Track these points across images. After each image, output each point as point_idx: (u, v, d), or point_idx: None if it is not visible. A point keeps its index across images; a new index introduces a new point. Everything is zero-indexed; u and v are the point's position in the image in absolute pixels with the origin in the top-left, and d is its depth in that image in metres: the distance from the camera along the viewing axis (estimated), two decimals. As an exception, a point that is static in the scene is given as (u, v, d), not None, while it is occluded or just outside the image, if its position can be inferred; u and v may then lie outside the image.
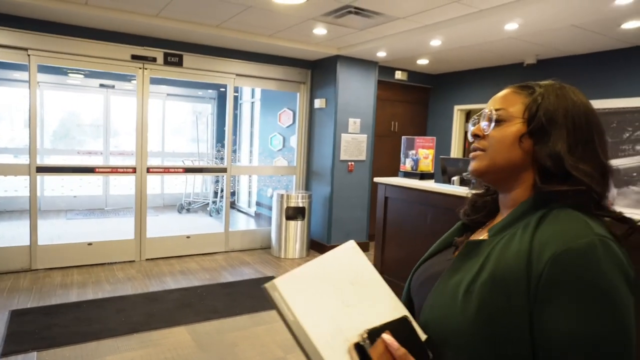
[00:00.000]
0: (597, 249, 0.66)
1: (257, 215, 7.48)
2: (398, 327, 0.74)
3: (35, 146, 4.29)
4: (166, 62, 4.79)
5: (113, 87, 7.63)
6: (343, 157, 5.43)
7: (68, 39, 4.30)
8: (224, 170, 5.42)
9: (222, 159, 6.20)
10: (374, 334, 0.71)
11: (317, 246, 5.51)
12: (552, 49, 4.63)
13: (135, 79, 4.77)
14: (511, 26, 3.74)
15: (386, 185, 4.07)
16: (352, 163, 5.53)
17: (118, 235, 5.02)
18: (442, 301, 0.77)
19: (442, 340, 0.74)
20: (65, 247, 4.57)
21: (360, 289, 0.79)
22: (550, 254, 0.67)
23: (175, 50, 4.83)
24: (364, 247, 5.61)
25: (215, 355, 2.92)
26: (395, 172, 4.33)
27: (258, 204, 7.54)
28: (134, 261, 4.85)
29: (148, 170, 4.86)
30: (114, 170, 4.92)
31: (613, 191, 3.23)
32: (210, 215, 7.55)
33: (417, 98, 6.62)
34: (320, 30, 4.37)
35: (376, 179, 4.25)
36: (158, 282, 4.25)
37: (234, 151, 7.84)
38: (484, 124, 0.85)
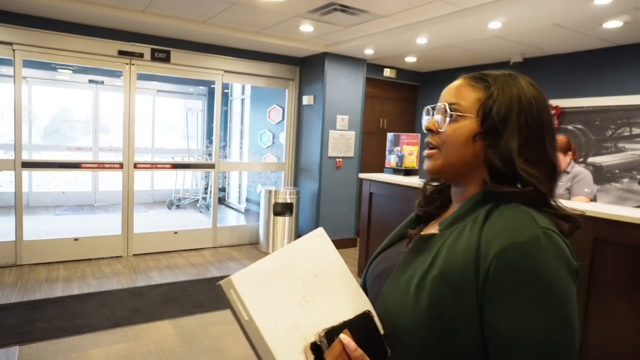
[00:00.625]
0: (541, 242, 0.67)
1: (247, 212, 7.50)
2: (358, 324, 0.73)
3: (20, 141, 4.28)
4: (153, 58, 4.79)
5: (102, 82, 7.59)
6: (331, 153, 5.45)
7: (53, 34, 4.29)
8: (211, 166, 5.43)
9: (211, 155, 6.21)
10: (332, 333, 0.69)
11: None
12: (537, 48, 4.68)
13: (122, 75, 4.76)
14: (495, 25, 3.78)
15: (371, 181, 4.10)
16: (340, 160, 5.56)
17: (105, 231, 5.02)
18: (394, 296, 0.77)
19: (394, 336, 0.75)
20: (51, 243, 4.57)
21: (324, 281, 0.77)
22: (496, 250, 0.68)
23: (162, 46, 4.83)
24: (351, 243, 5.65)
25: (198, 349, 2.95)
26: (383, 169, 4.37)
27: (248, 200, 7.56)
28: (121, 257, 4.85)
29: (135, 166, 4.86)
30: (101, 165, 4.92)
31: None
32: (200, 212, 7.56)
33: (405, 95, 6.66)
34: (306, 27, 4.39)
35: (361, 175, 4.28)
36: (144, 277, 4.26)
37: (224, 147, 7.86)
38: (437, 118, 0.84)
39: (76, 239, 4.66)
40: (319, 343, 0.68)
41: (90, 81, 7.50)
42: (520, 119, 0.77)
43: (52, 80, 7.40)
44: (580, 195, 3.14)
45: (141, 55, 4.72)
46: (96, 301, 3.60)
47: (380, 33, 4.43)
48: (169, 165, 5.30)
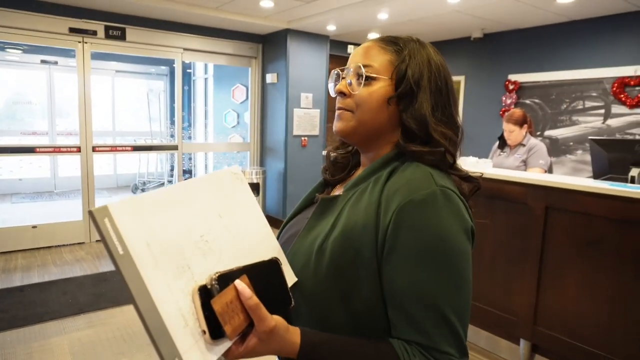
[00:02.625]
0: (438, 199, 0.69)
1: (214, 193, 7.40)
2: (261, 271, 0.68)
3: (-33, 126, 4.06)
4: (108, 36, 4.59)
5: (56, 63, 7.24)
6: (296, 132, 5.43)
7: (-3, 11, 4.04)
8: (174, 147, 5.31)
9: (173, 136, 6.06)
10: (227, 278, 0.62)
11: (272, 221, 5.53)
12: (496, 22, 4.74)
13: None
14: (454, -1, 3.80)
15: (336, 158, 4.11)
16: (306, 138, 5.54)
17: (66, 217, 4.86)
18: (298, 260, 0.78)
19: (298, 299, 0.74)
20: (7, 232, 4.39)
21: (231, 223, 0.70)
22: (395, 206, 0.69)
23: (117, 23, 4.63)
24: (319, 221, 5.68)
25: (165, 331, 2.93)
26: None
27: (215, 181, 7.45)
28: (83, 243, 4.73)
29: (94, 149, 4.70)
30: (57, 149, 4.73)
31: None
32: (166, 195, 7.41)
33: (370, 72, 6.64)
34: (266, 3, 4.29)
35: (325, 151, 4.29)
36: (108, 262, 4.17)
37: (187, 128, 7.68)
38: (349, 80, 0.81)
39: (34, 227, 4.50)
40: (209, 287, 0.60)
41: (43, 61, 7.13)
42: (432, 83, 0.79)
43: (1, 60, 6.99)
44: (535, 167, 3.25)
45: (94, 33, 4.51)
46: (58, 289, 3.51)
47: (342, 8, 4.38)
48: (129, 148, 5.15)
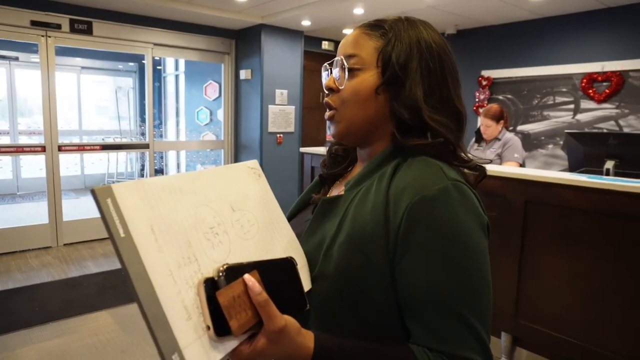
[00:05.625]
0: (451, 195, 0.64)
1: (187, 193, 7.24)
2: (274, 269, 0.63)
3: None
4: (73, 30, 4.39)
5: (17, 59, 6.90)
6: (271, 129, 5.35)
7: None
8: (146, 146, 5.14)
9: (144, 134, 5.87)
10: (235, 271, 0.58)
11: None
12: (470, 19, 4.79)
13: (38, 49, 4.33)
14: (429, -5, 3.81)
15: (312, 155, 4.06)
16: (281, 135, 5.47)
17: (31, 221, 4.64)
18: None
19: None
20: (-33, 236, 4.16)
21: (245, 218, 0.66)
22: (405, 205, 0.64)
23: (83, 17, 4.43)
24: (296, 219, 5.62)
25: (141, 337, 2.82)
26: (324, 144, 4.35)
27: (187, 181, 7.28)
28: (50, 247, 4.52)
29: (60, 149, 4.50)
30: (20, 149, 4.50)
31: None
32: (137, 195, 7.19)
33: (345, 69, 6.62)
34: (240, -3, 4.20)
35: (302, 149, 4.23)
36: (78, 267, 4.00)
37: (158, 126, 7.48)
38: (336, 74, 0.76)
39: (-4, 231, 4.27)
40: (216, 279, 0.56)
41: (2, 57, 6.79)
42: (422, 65, 0.71)
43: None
44: (510, 161, 3.29)
45: (59, 27, 4.30)
46: (23, 296, 3.33)
47: (317, 3, 4.33)
48: (98, 147, 4.95)
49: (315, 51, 6.04)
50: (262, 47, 5.13)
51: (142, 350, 2.66)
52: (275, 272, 0.63)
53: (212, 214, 0.62)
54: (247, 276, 0.58)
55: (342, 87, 0.75)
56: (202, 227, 0.60)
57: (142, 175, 7.44)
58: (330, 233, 0.71)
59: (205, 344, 0.54)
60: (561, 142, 4.63)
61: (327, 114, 0.79)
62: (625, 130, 4.17)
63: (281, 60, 5.34)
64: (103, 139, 7.15)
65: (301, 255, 0.72)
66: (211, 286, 0.56)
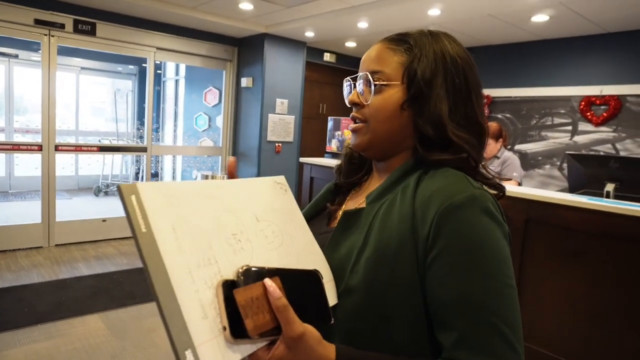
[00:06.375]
0: (478, 202, 0.64)
1: (182, 198, 7.18)
2: (298, 279, 0.62)
3: None
4: (76, 30, 4.38)
5: (16, 56, 6.87)
6: (270, 137, 5.34)
7: (-45, -3, 3.77)
8: (143, 149, 5.11)
9: (142, 137, 5.85)
10: (256, 274, 0.57)
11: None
12: (472, 37, 4.85)
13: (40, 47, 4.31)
14: (434, 12, 3.85)
15: (312, 165, 4.06)
16: (280, 144, 5.46)
17: (22, 220, 4.57)
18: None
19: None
20: (-43, 233, 4.08)
21: (268, 228, 0.65)
22: (434, 212, 0.64)
23: (87, 18, 4.43)
24: (291, 229, 5.60)
25: (131, 343, 2.77)
26: (323, 154, 4.34)
27: (183, 186, 7.24)
28: (41, 247, 4.45)
29: (57, 149, 4.46)
30: (16, 147, 4.45)
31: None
32: (131, 198, 7.12)
33: (345, 81, 6.65)
34: (246, 5, 4.22)
35: (302, 159, 4.23)
36: (69, 268, 3.94)
37: (156, 130, 7.45)
38: (360, 89, 0.76)
39: (-13, 229, 4.20)
40: (235, 280, 0.56)
41: (2, 54, 6.75)
42: (447, 81, 0.71)
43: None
44: (509, 179, 3.30)
45: (62, 26, 4.29)
46: (13, 296, 3.27)
47: (322, 15, 4.36)
48: (95, 148, 4.91)
49: (317, 62, 6.07)
50: (265, 56, 5.15)
51: (133, 356, 2.61)
52: (299, 283, 0.62)
53: (235, 221, 0.62)
54: (267, 280, 0.57)
55: (368, 103, 0.75)
56: (225, 233, 0.60)
57: (138, 179, 7.38)
58: (356, 248, 0.70)
59: (221, 345, 0.53)
60: (558, 163, 4.67)
61: (353, 126, 0.79)
62: (622, 153, 4.22)
63: (283, 70, 5.36)
64: (100, 141, 7.10)
65: (327, 270, 0.70)
66: (230, 288, 0.55)
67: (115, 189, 5.46)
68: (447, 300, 0.62)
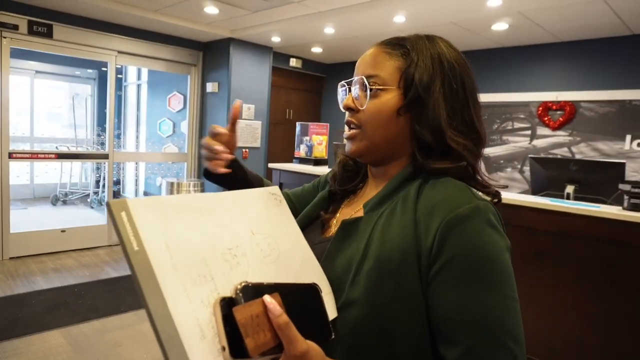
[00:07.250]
0: (482, 214, 0.63)
1: (146, 206, 6.98)
2: (297, 294, 0.60)
3: None
4: (31, 32, 4.19)
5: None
6: (237, 143, 5.27)
7: None
8: (105, 156, 4.93)
9: (103, 144, 5.65)
10: (255, 291, 0.55)
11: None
12: (434, 44, 4.96)
13: (-9, 50, 4.09)
14: (399, 19, 3.92)
15: (281, 171, 4.04)
16: (247, 150, 5.41)
17: (-27, 232, 4.31)
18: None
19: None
20: None
21: (265, 241, 0.63)
22: (438, 223, 0.63)
23: (43, 19, 4.24)
24: (259, 235, 5.54)
25: (95, 358, 2.66)
26: (290, 160, 4.33)
27: (146, 193, 7.05)
28: (-6, 261, 4.22)
29: (11, 156, 4.24)
30: (-35, 155, 4.20)
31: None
32: (92, 207, 6.87)
33: (311, 86, 6.68)
34: (211, 9, 4.16)
35: (270, 165, 4.20)
36: (25, 282, 3.74)
37: (118, 136, 7.23)
38: (356, 93, 0.75)
39: None
40: (233, 297, 0.54)
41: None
42: (445, 86, 0.70)
43: None
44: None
45: (16, 28, 4.09)
46: (-37, 314, 3.07)
47: (288, 20, 4.36)
48: (53, 155, 4.70)
49: (284, 67, 6.06)
50: (231, 60, 5.10)
51: (97, 372, 2.51)
52: (298, 297, 0.60)
53: (229, 235, 0.61)
54: (267, 297, 0.55)
55: (363, 108, 0.74)
56: (219, 248, 0.58)
57: (99, 187, 7.12)
58: (356, 259, 0.68)
59: None
60: (519, 166, 4.84)
61: (348, 132, 0.77)
62: (578, 156, 4.42)
63: (249, 75, 5.31)
64: (57, 147, 6.81)
65: (325, 283, 0.68)
66: (228, 306, 0.53)
67: (75, 198, 5.25)
68: (452, 314, 0.61)
